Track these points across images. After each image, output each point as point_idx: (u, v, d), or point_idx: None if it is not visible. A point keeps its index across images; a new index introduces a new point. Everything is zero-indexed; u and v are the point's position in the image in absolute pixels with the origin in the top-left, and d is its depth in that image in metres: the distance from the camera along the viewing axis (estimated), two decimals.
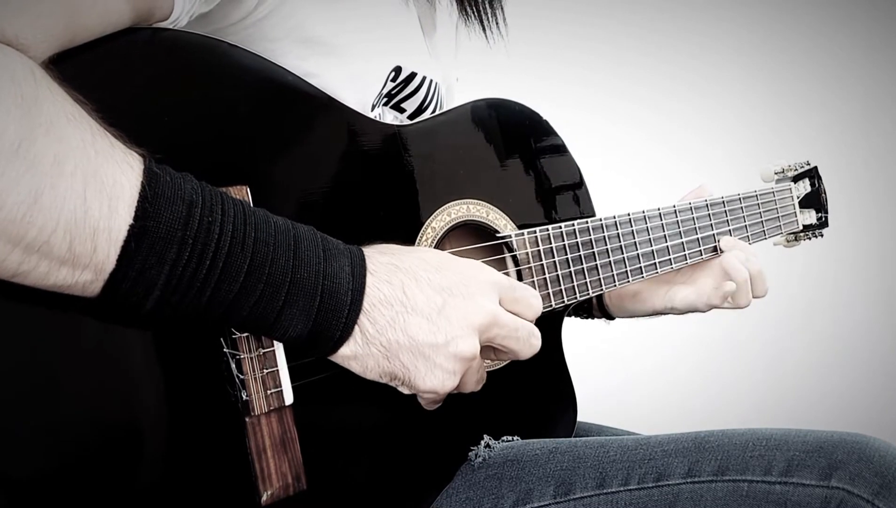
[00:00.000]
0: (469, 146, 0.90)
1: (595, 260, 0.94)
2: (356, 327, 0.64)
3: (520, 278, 0.90)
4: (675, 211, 1.03)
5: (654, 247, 1.00)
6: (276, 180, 0.71)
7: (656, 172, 2.26)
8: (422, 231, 0.83)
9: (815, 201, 1.26)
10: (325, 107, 0.76)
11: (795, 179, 1.25)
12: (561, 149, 1.00)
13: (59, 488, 0.56)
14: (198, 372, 0.63)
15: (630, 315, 1.10)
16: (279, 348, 0.64)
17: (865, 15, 2.62)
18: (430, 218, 0.84)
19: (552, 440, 0.85)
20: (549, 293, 0.91)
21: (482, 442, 0.85)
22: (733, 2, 2.51)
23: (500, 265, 0.92)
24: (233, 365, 0.63)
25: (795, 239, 1.28)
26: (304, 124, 0.74)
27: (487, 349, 0.73)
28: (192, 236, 0.55)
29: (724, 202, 1.09)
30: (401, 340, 0.65)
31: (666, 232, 1.02)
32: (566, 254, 0.92)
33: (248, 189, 0.65)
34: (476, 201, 0.89)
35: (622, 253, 0.97)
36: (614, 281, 0.96)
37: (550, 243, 0.91)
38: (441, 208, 0.85)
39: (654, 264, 1.00)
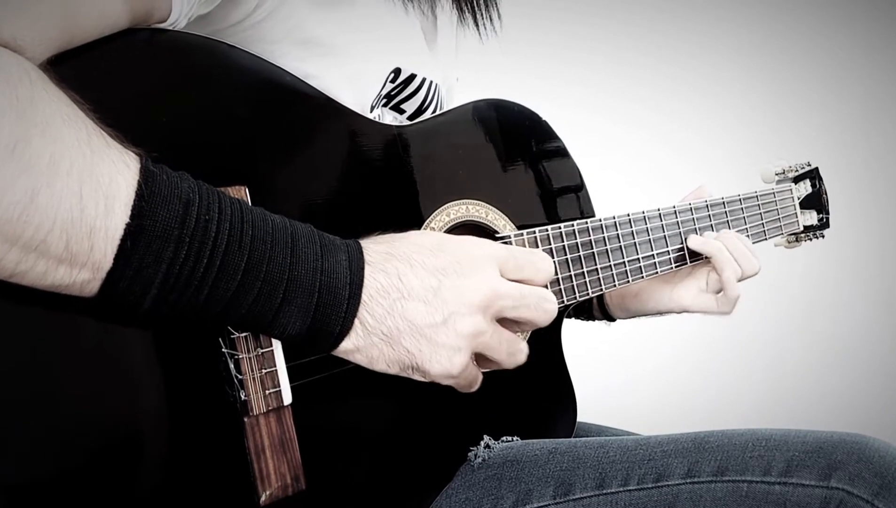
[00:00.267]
0: (468, 147, 0.90)
1: (595, 260, 0.94)
2: (356, 320, 0.64)
3: None
4: (676, 211, 1.03)
5: (654, 248, 1.00)
6: (274, 181, 0.71)
7: (656, 173, 2.26)
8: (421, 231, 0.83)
9: (816, 201, 1.26)
10: (324, 107, 0.76)
11: (796, 179, 1.25)
12: (560, 149, 1.00)
13: (57, 488, 0.56)
14: (196, 372, 0.63)
15: (632, 315, 1.10)
16: (278, 347, 0.64)
17: (865, 15, 2.62)
18: (430, 218, 0.84)
19: (552, 440, 0.85)
20: None
21: (482, 443, 0.85)
22: (733, 2, 2.51)
23: None
24: (231, 365, 0.63)
25: (796, 240, 1.28)
26: (303, 125, 0.74)
27: (507, 324, 0.71)
28: (189, 235, 0.55)
29: (724, 203, 1.09)
30: (400, 326, 0.64)
31: (666, 233, 1.02)
32: (566, 254, 0.92)
33: (247, 189, 0.65)
34: (475, 201, 0.89)
35: (622, 254, 0.97)
36: (614, 281, 0.96)
37: (550, 244, 0.91)
38: (440, 209, 0.85)
39: (654, 264, 1.00)
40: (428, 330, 0.65)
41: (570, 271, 0.92)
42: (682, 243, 1.04)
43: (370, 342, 0.64)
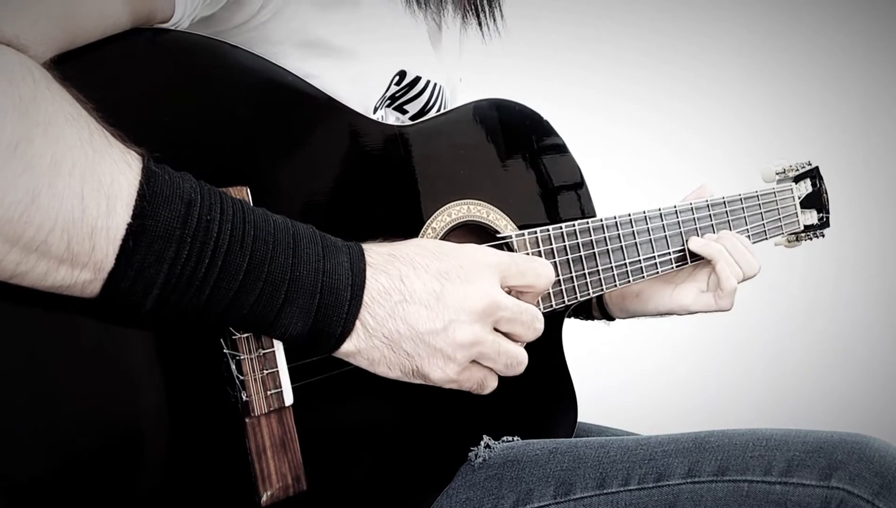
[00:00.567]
0: (470, 147, 0.90)
1: (595, 260, 0.95)
2: (357, 321, 0.64)
3: None
4: (676, 211, 1.03)
5: (655, 248, 1.00)
6: (276, 181, 0.71)
7: (657, 173, 2.26)
8: (422, 231, 0.83)
9: (816, 201, 1.26)
10: (326, 107, 0.76)
11: (797, 179, 1.25)
12: (561, 149, 1.00)
13: (59, 489, 0.56)
14: (198, 373, 0.63)
15: (632, 315, 1.10)
16: (279, 348, 0.64)
17: (865, 15, 2.62)
18: (431, 218, 0.84)
19: (552, 440, 0.85)
20: (549, 293, 0.91)
21: (482, 443, 0.85)
22: (733, 2, 2.51)
23: None
24: (233, 366, 0.63)
25: (797, 239, 1.28)
26: (305, 125, 0.74)
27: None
28: (191, 235, 0.55)
29: (724, 202, 1.09)
30: (401, 329, 0.65)
31: (667, 232, 1.02)
32: (567, 254, 0.92)
33: (248, 190, 0.65)
34: (477, 201, 0.89)
35: (623, 253, 0.97)
36: (615, 281, 0.96)
37: (551, 244, 0.91)
38: (442, 209, 0.85)
39: (655, 264, 1.00)
40: (428, 336, 0.65)
41: (570, 271, 0.92)
42: (682, 243, 1.04)
43: (372, 345, 0.64)
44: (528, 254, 0.89)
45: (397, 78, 0.88)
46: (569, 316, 1.09)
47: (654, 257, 1.00)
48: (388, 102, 0.90)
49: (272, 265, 0.59)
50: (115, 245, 0.53)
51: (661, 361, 2.36)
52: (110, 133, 0.55)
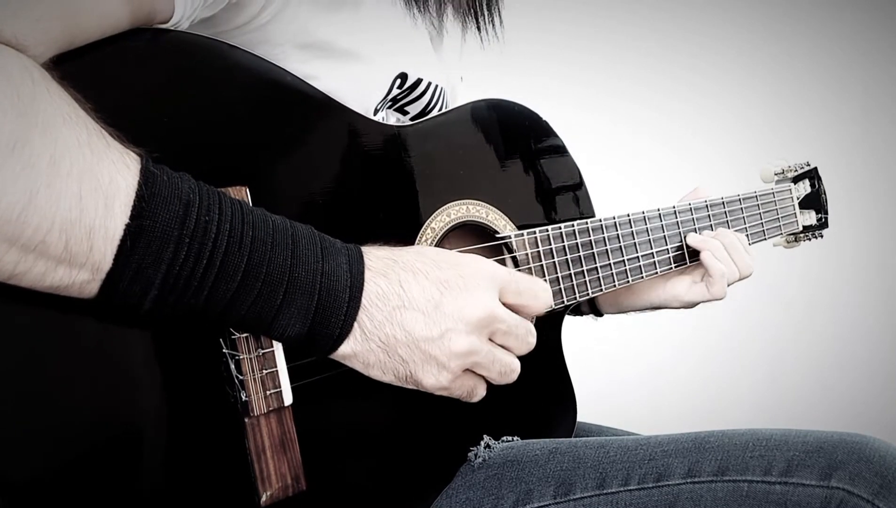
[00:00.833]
0: (469, 147, 0.90)
1: (595, 261, 0.95)
2: (355, 324, 0.64)
3: None
4: (675, 212, 1.03)
5: (653, 248, 1.00)
6: (275, 181, 0.71)
7: (657, 173, 2.26)
8: (421, 231, 0.83)
9: (815, 201, 1.26)
10: (325, 107, 0.76)
11: (795, 179, 1.25)
12: (560, 149, 1.00)
13: (58, 488, 0.56)
14: (197, 373, 0.63)
15: (622, 311, 1.10)
16: (279, 348, 0.64)
17: (866, 15, 2.62)
18: (430, 218, 0.84)
19: (552, 440, 0.85)
20: None
21: (482, 443, 0.85)
22: (733, 2, 2.51)
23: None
24: (232, 366, 0.63)
25: (795, 240, 1.28)
26: (304, 125, 0.74)
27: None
28: (189, 236, 0.55)
29: (723, 203, 1.09)
30: (398, 334, 0.65)
31: (666, 233, 1.02)
32: (566, 255, 0.92)
33: (248, 190, 0.65)
34: (476, 201, 0.89)
35: (622, 254, 0.97)
36: (614, 281, 0.96)
37: (550, 244, 0.91)
38: (441, 209, 0.85)
39: (654, 263, 1.00)
40: (424, 343, 0.65)
41: (570, 271, 0.92)
42: (681, 243, 1.04)
43: (368, 348, 0.64)
44: (526, 255, 0.89)
45: (399, 81, 0.88)
46: None
47: (653, 257, 1.00)
48: (390, 103, 0.90)
49: (270, 266, 0.59)
50: (112, 246, 0.53)
51: (661, 361, 2.36)
52: (109, 134, 0.55)
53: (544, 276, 0.90)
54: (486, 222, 0.89)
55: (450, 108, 0.99)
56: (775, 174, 1.26)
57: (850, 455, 0.71)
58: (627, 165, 2.27)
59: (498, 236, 0.89)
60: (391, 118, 0.93)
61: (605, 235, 0.96)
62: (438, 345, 0.66)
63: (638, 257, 0.99)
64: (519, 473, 0.81)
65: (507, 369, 0.71)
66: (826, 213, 1.27)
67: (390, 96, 0.88)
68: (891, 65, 2.65)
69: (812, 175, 1.27)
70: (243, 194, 0.65)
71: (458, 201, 0.87)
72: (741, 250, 1.02)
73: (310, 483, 0.67)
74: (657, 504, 0.75)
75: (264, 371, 0.64)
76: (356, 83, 0.82)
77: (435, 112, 0.95)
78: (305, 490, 0.66)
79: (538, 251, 0.90)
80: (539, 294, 0.73)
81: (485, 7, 0.97)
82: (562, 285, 0.92)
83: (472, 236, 0.91)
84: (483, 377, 0.71)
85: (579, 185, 1.02)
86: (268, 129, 0.71)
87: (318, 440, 0.69)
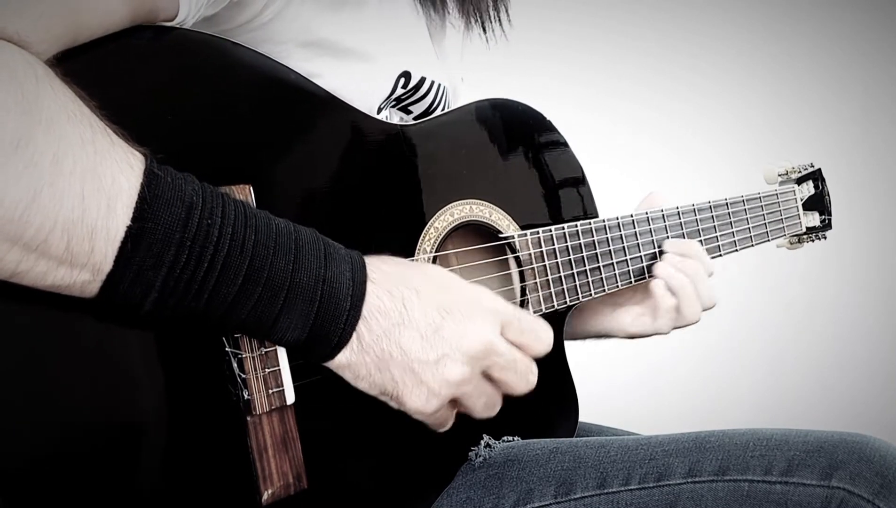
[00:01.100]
0: (472, 146, 0.90)
1: (598, 261, 0.95)
2: (353, 334, 0.63)
3: (522, 278, 0.90)
4: (679, 213, 1.03)
5: (657, 249, 1.00)
6: (279, 179, 0.70)
7: (657, 173, 2.26)
8: (424, 231, 0.83)
9: (818, 203, 1.26)
10: (329, 106, 0.76)
11: (799, 181, 1.25)
12: (564, 148, 1.00)
13: (60, 487, 0.56)
14: (200, 371, 0.63)
15: (571, 338, 1.03)
16: (281, 347, 0.64)
17: (866, 15, 2.63)
18: (433, 218, 0.84)
19: (553, 440, 0.85)
20: (551, 293, 0.91)
21: (482, 442, 0.84)
22: (734, 2, 2.51)
23: (503, 266, 0.92)
24: (234, 364, 0.63)
25: (799, 241, 1.28)
26: (308, 123, 0.74)
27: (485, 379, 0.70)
28: (191, 239, 0.55)
29: (727, 204, 1.09)
30: (394, 352, 0.64)
31: (669, 234, 1.01)
32: (569, 255, 0.92)
33: (251, 188, 0.65)
34: (479, 201, 0.89)
35: (625, 254, 0.97)
36: (616, 282, 0.96)
37: (553, 244, 0.91)
38: (444, 209, 0.85)
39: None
40: (417, 365, 0.65)
41: (573, 271, 0.92)
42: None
43: (361, 361, 0.64)
44: (530, 255, 0.89)
45: (403, 80, 0.88)
46: None
47: (657, 257, 1.00)
48: (394, 103, 0.90)
49: (272, 271, 0.59)
50: (113, 247, 0.53)
51: (661, 361, 2.36)
52: (114, 132, 0.55)
53: (547, 275, 0.90)
54: (489, 222, 0.89)
55: (452, 107, 0.99)
56: (779, 175, 1.25)
57: (850, 455, 0.71)
58: (627, 165, 2.27)
59: (501, 235, 0.89)
60: (395, 117, 0.93)
61: (609, 235, 0.96)
62: (432, 370, 0.65)
63: (641, 257, 0.98)
64: (520, 472, 0.81)
65: (492, 403, 0.70)
66: (830, 214, 1.27)
67: (394, 96, 0.88)
68: (891, 65, 2.65)
69: (816, 176, 1.26)
70: (247, 192, 0.65)
71: (462, 201, 0.87)
72: (705, 279, 0.96)
73: (311, 482, 0.67)
74: (658, 503, 0.75)
75: (267, 370, 0.64)
76: (359, 82, 0.82)
77: (438, 111, 0.95)
78: (307, 489, 0.66)
79: (541, 251, 0.90)
80: (542, 336, 0.72)
81: (490, 7, 0.97)
82: (564, 285, 0.92)
83: (475, 235, 0.91)
84: (463, 407, 0.70)
85: (583, 185, 1.02)
86: (272, 127, 0.71)
87: (319, 439, 0.69)
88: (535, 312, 0.90)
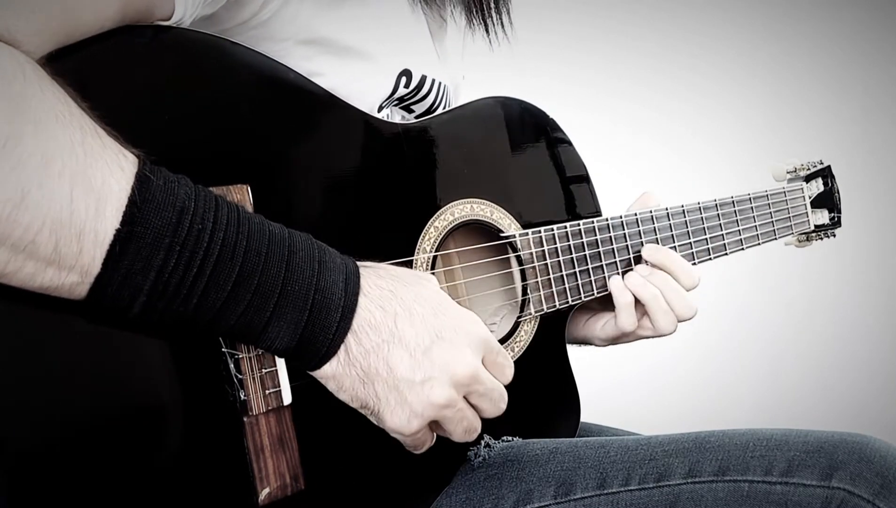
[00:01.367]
0: (473, 145, 0.89)
1: (601, 260, 0.94)
2: (342, 345, 0.63)
3: (524, 277, 0.90)
4: (684, 211, 1.02)
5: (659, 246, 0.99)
6: (277, 179, 0.70)
7: (657, 173, 2.26)
8: (424, 231, 0.82)
9: (828, 200, 1.25)
10: (328, 105, 0.76)
11: (808, 178, 1.24)
12: (567, 147, 0.99)
13: (56, 486, 0.55)
14: (196, 372, 0.63)
15: None
16: None
17: (866, 15, 2.63)
18: (434, 217, 0.83)
19: (552, 440, 0.85)
20: (553, 293, 0.91)
21: (482, 442, 0.84)
22: (734, 2, 2.51)
23: (505, 265, 0.91)
24: (231, 365, 0.63)
25: (807, 239, 1.27)
26: (307, 122, 0.74)
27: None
28: (181, 243, 0.55)
29: (733, 202, 1.08)
30: (380, 368, 0.64)
31: (674, 232, 1.01)
32: (571, 254, 0.92)
33: (249, 188, 0.65)
34: (480, 200, 0.88)
35: (628, 253, 0.96)
36: None
37: (555, 243, 0.91)
38: (444, 208, 0.85)
39: None
40: (403, 384, 0.64)
41: (574, 270, 0.92)
42: (689, 241, 1.02)
43: (346, 373, 0.63)
44: (531, 254, 0.89)
45: (405, 79, 0.88)
46: None
47: None
48: (396, 102, 0.90)
49: (262, 277, 0.59)
50: (102, 249, 0.52)
51: (661, 361, 2.35)
52: (107, 133, 0.54)
53: (549, 275, 0.90)
54: (490, 221, 0.89)
55: (453, 106, 0.99)
56: (787, 173, 1.24)
57: (850, 456, 0.70)
58: (627, 165, 2.27)
59: (502, 234, 0.89)
60: (396, 116, 0.93)
61: (612, 234, 0.95)
62: (418, 392, 0.64)
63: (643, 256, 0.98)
64: (519, 473, 0.80)
65: (472, 427, 0.70)
66: (839, 212, 1.25)
67: (397, 95, 0.88)
68: (891, 65, 2.65)
69: (825, 173, 1.25)
70: (245, 192, 0.64)
71: (463, 200, 0.86)
72: (680, 298, 0.94)
73: (309, 483, 0.67)
74: (658, 504, 0.74)
75: (263, 370, 0.63)
76: (360, 80, 0.82)
77: (439, 109, 0.95)
78: (304, 490, 0.66)
79: (543, 250, 0.90)
80: (506, 372, 0.72)
81: (493, 9, 0.96)
82: (566, 284, 0.91)
83: (476, 234, 0.90)
84: (441, 430, 0.70)
85: (586, 183, 1.01)
86: (270, 127, 0.70)
87: (317, 439, 0.69)
88: (536, 311, 0.90)
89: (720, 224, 1.06)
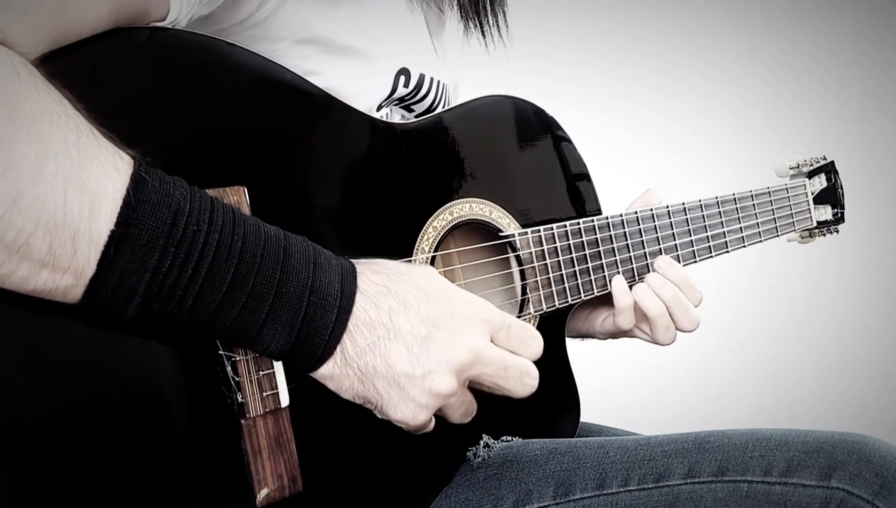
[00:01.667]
0: (472, 144, 0.89)
1: (601, 259, 0.94)
2: (338, 346, 0.63)
3: (523, 277, 0.89)
4: (685, 208, 1.01)
5: (662, 245, 0.99)
6: (274, 180, 0.70)
7: (657, 173, 2.26)
8: (423, 230, 0.82)
9: (831, 196, 1.24)
10: (325, 105, 0.76)
11: (811, 174, 1.23)
12: (567, 145, 0.99)
13: (52, 488, 0.55)
14: (193, 374, 0.62)
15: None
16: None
17: (866, 15, 2.62)
18: (432, 217, 0.83)
19: (551, 440, 0.85)
20: (552, 292, 0.90)
21: (481, 442, 0.84)
22: (734, 2, 2.51)
23: (504, 265, 0.91)
24: (228, 367, 0.62)
25: (810, 236, 1.26)
26: (304, 123, 0.74)
27: (479, 386, 0.70)
28: (175, 245, 0.55)
29: (735, 199, 1.08)
30: (378, 366, 0.63)
31: (675, 230, 1.00)
32: (571, 253, 0.91)
33: (245, 190, 0.65)
34: (479, 199, 0.88)
35: (629, 251, 0.96)
36: None
37: (555, 243, 0.91)
38: (443, 207, 0.84)
39: None
40: (403, 379, 0.64)
41: (574, 269, 0.92)
42: (690, 238, 1.02)
43: (344, 373, 0.63)
44: (530, 253, 0.89)
45: (403, 79, 0.87)
46: None
47: (662, 254, 0.99)
48: (396, 102, 0.90)
49: (257, 279, 0.58)
50: (97, 251, 0.52)
51: (661, 361, 2.35)
52: (102, 135, 0.54)
53: (548, 274, 0.90)
54: (489, 221, 0.89)
55: (453, 104, 0.99)
56: (790, 169, 1.23)
57: (850, 456, 0.70)
58: (627, 164, 2.26)
59: (501, 234, 0.89)
60: (395, 115, 0.92)
61: (612, 233, 0.95)
62: (419, 384, 0.64)
63: (645, 253, 0.98)
64: (518, 473, 0.80)
65: (470, 410, 0.70)
66: (842, 208, 1.25)
67: (396, 96, 0.88)
68: (891, 65, 2.65)
69: (828, 169, 1.24)
70: (241, 193, 0.64)
71: (462, 200, 0.86)
72: (683, 309, 0.94)
73: (307, 485, 0.66)
74: (657, 504, 0.74)
75: (261, 373, 0.63)
76: (358, 79, 0.82)
77: (439, 109, 0.95)
78: (302, 492, 0.66)
79: (542, 250, 0.90)
80: (530, 342, 0.71)
81: (489, 11, 0.96)
82: (566, 284, 0.91)
83: (475, 234, 0.90)
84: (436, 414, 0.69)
85: (586, 182, 1.01)
86: (267, 128, 0.70)
87: (315, 440, 0.69)
88: (535, 311, 0.90)
89: (721, 221, 1.05)
